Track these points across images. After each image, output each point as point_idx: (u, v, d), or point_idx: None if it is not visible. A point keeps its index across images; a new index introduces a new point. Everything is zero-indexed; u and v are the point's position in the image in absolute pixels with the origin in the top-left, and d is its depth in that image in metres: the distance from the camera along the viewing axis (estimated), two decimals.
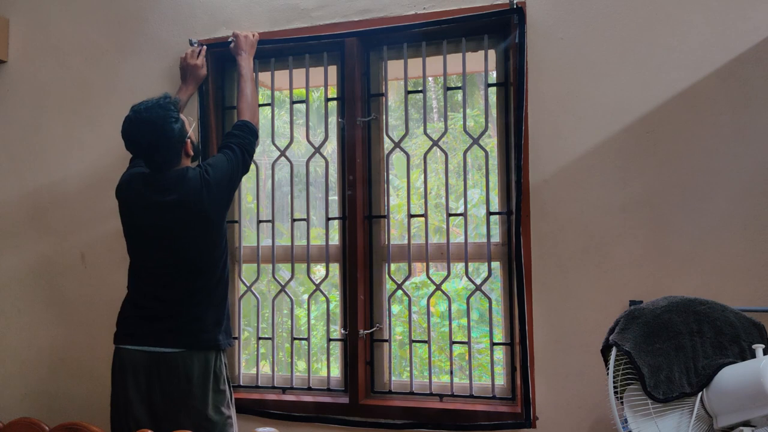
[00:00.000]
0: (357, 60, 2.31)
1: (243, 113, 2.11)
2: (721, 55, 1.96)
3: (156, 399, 1.93)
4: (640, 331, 1.66)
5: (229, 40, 2.30)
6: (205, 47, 2.37)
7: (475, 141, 2.22)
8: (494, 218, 2.24)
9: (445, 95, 2.30)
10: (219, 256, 2.00)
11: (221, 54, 2.47)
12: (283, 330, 2.71)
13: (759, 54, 1.93)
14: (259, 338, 2.46)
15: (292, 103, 2.46)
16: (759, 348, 1.56)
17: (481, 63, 2.24)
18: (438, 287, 2.27)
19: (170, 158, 1.95)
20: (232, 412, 2.03)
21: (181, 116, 1.97)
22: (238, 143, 2.03)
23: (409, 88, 2.32)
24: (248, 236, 2.54)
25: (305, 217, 2.40)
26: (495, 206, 2.24)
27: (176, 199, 1.91)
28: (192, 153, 2.02)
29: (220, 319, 2.00)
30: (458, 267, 2.69)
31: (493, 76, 2.26)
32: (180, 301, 1.96)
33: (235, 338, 2.48)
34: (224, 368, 2.01)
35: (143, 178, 2.00)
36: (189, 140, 1.99)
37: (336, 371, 2.39)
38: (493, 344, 2.22)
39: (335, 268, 2.40)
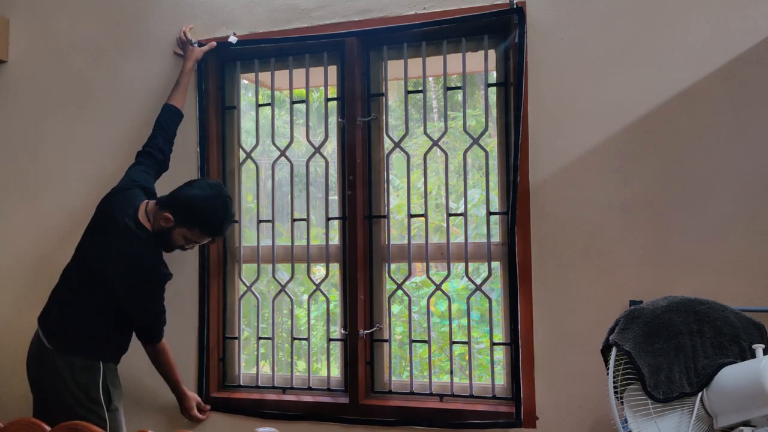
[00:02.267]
0: (357, 60, 2.31)
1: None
2: (721, 55, 1.96)
3: (38, 387, 2.16)
4: (640, 331, 1.66)
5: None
6: (190, 27, 2.43)
7: (475, 141, 2.22)
8: (494, 218, 2.24)
9: (445, 95, 2.30)
10: (123, 318, 2.14)
11: (221, 54, 2.47)
12: (283, 330, 2.71)
13: (759, 54, 1.93)
14: (259, 338, 2.46)
15: (292, 103, 2.46)
16: (759, 348, 1.55)
17: (481, 63, 2.24)
18: (438, 287, 2.27)
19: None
20: (111, 416, 2.10)
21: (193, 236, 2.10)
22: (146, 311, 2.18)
23: (409, 88, 2.32)
24: (248, 236, 2.54)
25: (305, 217, 2.40)
26: (495, 206, 2.24)
27: (106, 255, 2.05)
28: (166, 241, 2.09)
29: (103, 337, 2.13)
30: (458, 267, 2.69)
31: (493, 76, 2.26)
32: (72, 307, 2.11)
33: (235, 338, 2.48)
34: (101, 377, 2.08)
35: (122, 201, 2.13)
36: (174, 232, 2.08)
37: (336, 371, 2.39)
38: (493, 344, 2.22)
39: (335, 268, 2.40)
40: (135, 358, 2.52)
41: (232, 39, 2.36)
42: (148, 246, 2.06)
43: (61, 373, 2.03)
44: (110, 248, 2.05)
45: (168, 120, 2.29)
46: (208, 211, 2.03)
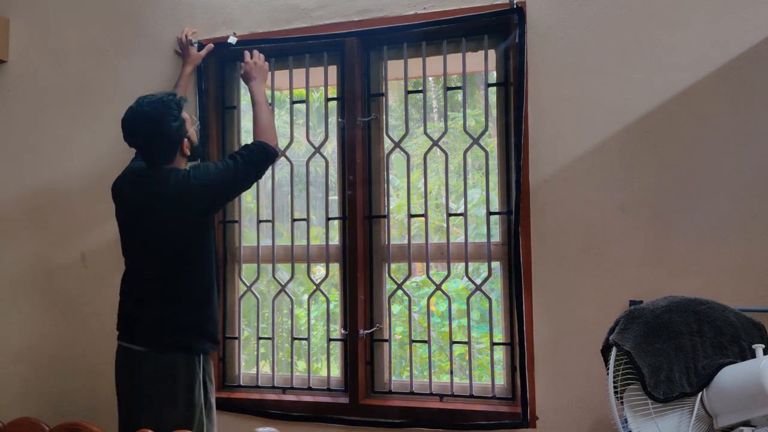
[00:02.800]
0: (357, 60, 2.31)
1: (258, 136, 2.03)
2: (721, 55, 1.96)
3: (131, 395, 1.94)
4: (640, 331, 1.66)
5: (240, 68, 2.24)
6: (194, 31, 2.39)
7: (475, 141, 2.22)
8: (494, 218, 2.24)
9: (445, 95, 2.30)
10: (194, 262, 1.95)
11: (221, 54, 2.47)
12: (283, 330, 2.71)
13: (759, 54, 1.93)
14: (259, 338, 2.46)
15: (292, 103, 2.46)
16: (759, 348, 1.56)
17: (481, 63, 2.24)
18: (438, 287, 2.27)
19: (163, 155, 1.94)
20: (207, 417, 1.96)
21: (185, 115, 1.96)
22: (245, 156, 1.96)
23: (409, 88, 2.32)
24: (248, 236, 2.54)
25: (305, 217, 2.40)
26: (495, 206, 2.24)
27: (153, 201, 1.91)
28: (188, 153, 2.00)
29: (197, 322, 1.95)
30: (458, 267, 2.69)
31: (493, 76, 2.26)
32: (152, 300, 1.95)
33: (235, 338, 2.48)
34: (201, 371, 1.93)
35: (134, 174, 2.02)
36: (187, 140, 1.97)
37: (336, 371, 2.39)
38: (493, 344, 2.22)
39: (335, 268, 2.40)
40: None
41: (232, 40, 2.36)
42: (170, 170, 1.94)
43: (159, 375, 1.89)
44: (152, 201, 1.92)
45: None
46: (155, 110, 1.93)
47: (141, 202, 1.94)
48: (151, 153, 1.95)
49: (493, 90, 2.27)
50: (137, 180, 1.99)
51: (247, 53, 2.20)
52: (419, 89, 2.38)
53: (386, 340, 2.33)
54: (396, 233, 2.62)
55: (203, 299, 1.97)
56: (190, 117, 2.01)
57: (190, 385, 1.90)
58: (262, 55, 2.21)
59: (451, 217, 2.29)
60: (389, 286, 2.35)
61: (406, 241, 2.31)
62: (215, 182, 1.92)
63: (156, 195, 1.91)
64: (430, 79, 3.19)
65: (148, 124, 1.89)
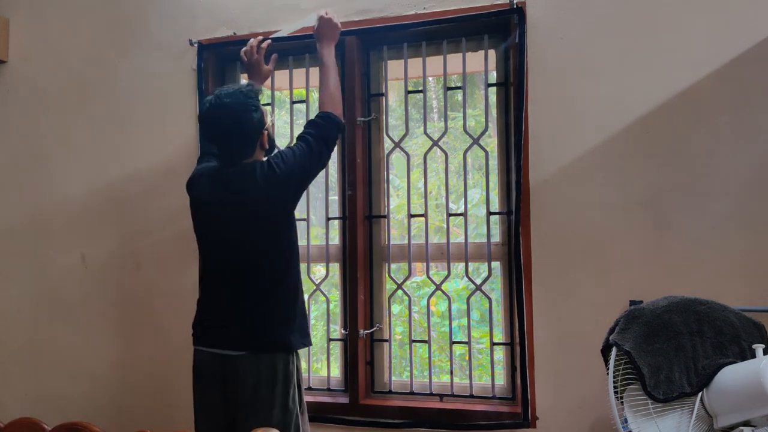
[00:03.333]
0: (357, 60, 2.31)
1: (325, 105, 1.96)
2: (721, 55, 1.96)
3: (230, 401, 1.82)
4: (640, 331, 1.66)
5: (312, 22, 2.07)
6: (268, 41, 2.15)
7: (475, 141, 2.22)
8: (494, 218, 2.24)
9: (445, 95, 2.30)
10: (285, 254, 1.87)
11: (221, 54, 2.47)
12: None
13: (759, 54, 1.93)
14: None
15: (293, 103, 2.46)
16: (759, 348, 1.56)
17: (481, 63, 2.24)
18: (438, 287, 2.27)
19: (244, 148, 1.86)
20: (301, 417, 1.88)
21: (261, 107, 1.88)
22: (314, 134, 1.89)
23: (409, 88, 2.32)
24: None
25: (305, 217, 2.40)
26: (495, 206, 2.24)
27: (241, 197, 1.82)
28: (267, 146, 1.92)
29: (290, 318, 1.86)
30: (458, 267, 2.69)
31: (493, 76, 2.26)
32: (244, 302, 1.84)
33: None
34: (295, 370, 1.86)
35: (212, 173, 1.92)
36: (266, 132, 1.89)
37: (336, 371, 2.39)
38: (493, 344, 2.22)
39: (335, 268, 2.40)
40: (134, 358, 2.52)
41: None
42: (253, 164, 1.86)
43: (260, 378, 1.79)
44: (238, 199, 1.83)
45: None
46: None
47: (228, 201, 1.84)
48: (232, 146, 1.86)
49: (493, 90, 2.27)
50: (220, 178, 1.88)
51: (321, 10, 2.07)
52: (419, 89, 2.38)
53: (386, 340, 2.33)
54: (396, 233, 2.62)
55: (296, 292, 1.90)
56: (265, 109, 1.93)
57: (286, 385, 1.81)
58: (334, 14, 2.08)
59: (451, 217, 2.29)
60: (389, 286, 2.35)
61: (406, 241, 2.31)
62: (298, 169, 1.85)
63: (244, 191, 1.82)
64: (430, 79, 3.20)
65: (229, 116, 1.81)
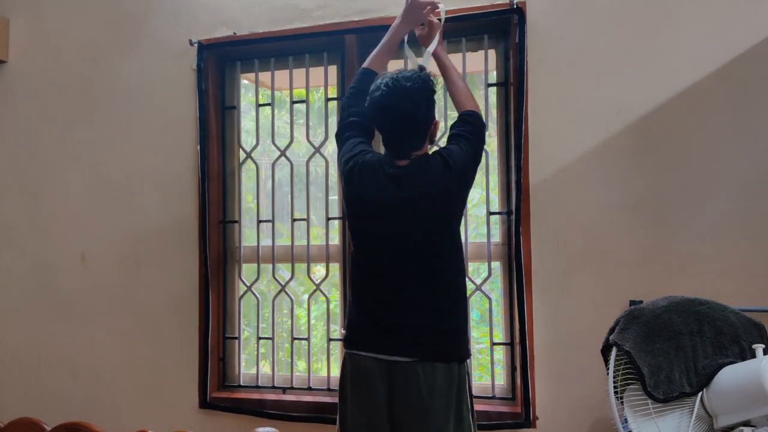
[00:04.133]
0: (357, 60, 2.31)
1: (466, 104, 1.81)
2: (721, 55, 1.96)
3: (397, 410, 1.67)
4: (640, 331, 1.66)
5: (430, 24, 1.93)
6: (441, 6, 1.93)
7: None
8: (494, 218, 2.24)
9: (445, 95, 2.29)
10: (458, 255, 1.74)
11: (221, 54, 2.47)
12: (283, 330, 2.71)
13: (759, 54, 1.93)
14: (259, 338, 2.46)
15: (293, 103, 2.45)
16: (759, 348, 1.56)
17: (481, 63, 2.24)
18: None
19: (418, 139, 1.71)
20: (474, 426, 1.73)
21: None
22: (472, 131, 1.75)
23: None
24: (248, 236, 2.54)
25: (305, 217, 2.40)
26: (495, 206, 2.24)
27: (417, 194, 1.66)
28: (434, 138, 1.80)
29: (463, 324, 1.75)
30: None
31: (493, 76, 2.26)
32: (416, 306, 1.70)
33: (235, 338, 2.48)
34: (468, 379, 1.73)
35: (378, 168, 1.72)
36: (437, 122, 1.76)
37: (336, 371, 2.38)
38: (493, 344, 2.22)
39: (335, 268, 2.40)
40: (134, 358, 2.52)
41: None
42: (427, 157, 1.72)
43: (433, 388, 1.64)
44: (413, 197, 1.67)
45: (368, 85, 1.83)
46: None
47: (401, 199, 1.67)
48: (405, 136, 1.70)
49: (493, 90, 2.27)
50: (389, 173, 1.70)
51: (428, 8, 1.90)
52: None
53: None
54: None
55: (465, 298, 1.79)
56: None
57: (460, 397, 1.68)
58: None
59: None
60: None
61: None
62: (469, 166, 1.72)
63: (421, 188, 1.66)
64: None
65: (407, 102, 1.65)
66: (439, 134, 1.93)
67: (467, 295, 1.78)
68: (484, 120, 1.82)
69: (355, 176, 1.75)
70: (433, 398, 1.64)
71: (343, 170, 1.79)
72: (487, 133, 2.20)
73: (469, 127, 1.76)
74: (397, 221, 1.69)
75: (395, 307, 1.70)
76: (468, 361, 1.73)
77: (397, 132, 1.71)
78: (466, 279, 1.81)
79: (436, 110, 1.76)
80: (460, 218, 1.76)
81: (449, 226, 1.72)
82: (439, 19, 1.94)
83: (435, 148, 1.78)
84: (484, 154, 2.19)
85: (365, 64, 1.95)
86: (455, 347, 1.70)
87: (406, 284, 1.70)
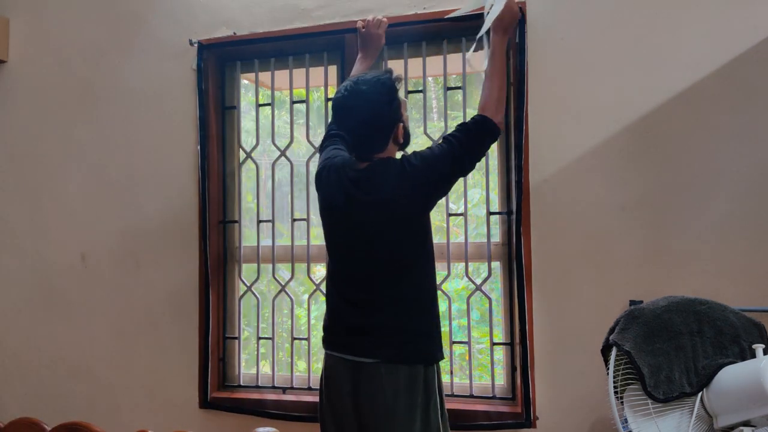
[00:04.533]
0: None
1: (484, 108, 1.76)
2: (721, 55, 1.96)
3: (362, 410, 1.70)
4: (640, 331, 1.66)
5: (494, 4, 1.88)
6: (385, 19, 2.12)
7: None
8: (494, 218, 2.24)
9: (445, 95, 2.30)
10: (423, 258, 1.75)
11: (221, 54, 2.48)
12: (283, 330, 2.71)
13: (759, 54, 1.93)
14: (259, 338, 2.46)
15: (293, 103, 2.45)
16: (759, 348, 1.56)
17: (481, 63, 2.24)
18: (438, 287, 2.26)
19: (377, 141, 1.73)
20: (443, 429, 1.74)
21: (401, 98, 1.76)
22: (459, 137, 1.71)
23: (410, 88, 2.32)
24: (248, 236, 2.54)
25: (305, 217, 2.40)
26: (495, 206, 2.24)
27: (374, 198, 1.69)
28: (402, 141, 1.78)
29: (430, 327, 1.75)
30: (458, 267, 2.69)
31: None
32: (380, 308, 1.72)
33: (235, 338, 2.48)
34: (437, 383, 1.74)
35: (341, 169, 1.78)
36: (401, 125, 1.75)
37: None
38: (493, 344, 2.22)
39: None
40: (134, 358, 2.52)
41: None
42: (386, 161, 1.73)
43: (395, 390, 1.66)
44: (370, 200, 1.70)
45: None
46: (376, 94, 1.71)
47: (359, 202, 1.71)
48: (363, 138, 1.73)
49: None
50: (350, 176, 1.74)
51: None
52: (419, 89, 2.38)
53: None
54: None
55: (433, 301, 1.78)
56: (404, 100, 1.80)
57: (427, 399, 1.69)
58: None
59: (451, 217, 2.29)
60: None
61: None
62: (433, 170, 1.68)
63: (376, 191, 1.69)
64: (430, 79, 3.19)
65: (363, 104, 1.68)
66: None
67: (435, 297, 1.78)
68: (493, 129, 1.73)
69: (323, 178, 1.82)
70: (397, 400, 1.66)
71: (316, 174, 1.87)
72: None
73: (462, 133, 1.73)
74: (357, 223, 1.73)
75: (360, 308, 1.74)
76: (437, 365, 1.75)
77: (355, 134, 1.75)
78: (435, 281, 1.82)
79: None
80: (420, 222, 1.74)
81: (411, 230, 1.72)
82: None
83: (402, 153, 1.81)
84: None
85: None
86: (419, 349, 1.71)
87: (369, 285, 1.73)
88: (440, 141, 1.76)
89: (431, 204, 1.75)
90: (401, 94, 1.77)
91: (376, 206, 1.70)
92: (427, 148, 1.76)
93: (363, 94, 1.69)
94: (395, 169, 1.70)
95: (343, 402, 1.73)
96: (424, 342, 1.73)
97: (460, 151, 1.69)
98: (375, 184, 1.70)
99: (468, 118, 1.80)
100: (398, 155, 1.80)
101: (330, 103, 2.38)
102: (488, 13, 1.88)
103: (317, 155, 2.39)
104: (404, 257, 1.73)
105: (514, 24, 1.88)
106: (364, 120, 1.70)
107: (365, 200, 1.71)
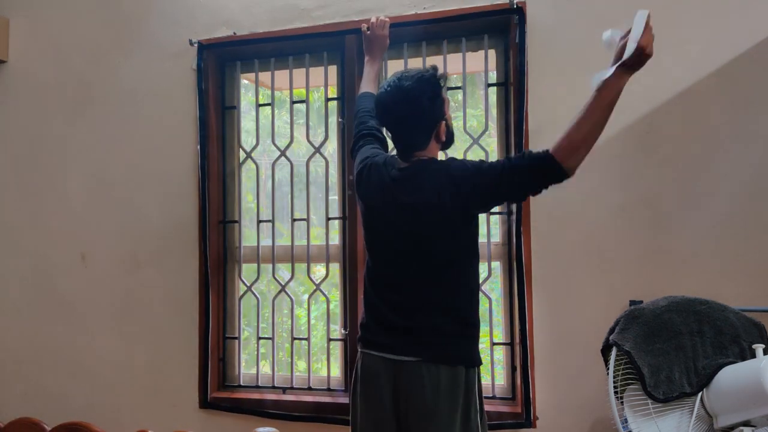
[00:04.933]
0: (357, 60, 2.31)
1: (560, 147, 1.59)
2: (721, 55, 1.96)
3: (402, 410, 1.68)
4: (640, 331, 1.66)
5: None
6: (388, 19, 2.13)
7: (476, 141, 2.22)
8: (494, 218, 2.24)
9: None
10: (464, 260, 1.73)
11: (221, 54, 2.48)
12: (283, 330, 2.71)
13: (759, 54, 1.93)
14: (259, 338, 2.46)
15: (293, 103, 2.45)
16: (759, 348, 1.56)
17: (481, 63, 2.24)
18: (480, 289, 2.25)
19: (418, 138, 1.71)
20: (481, 429, 1.71)
21: (444, 95, 1.73)
22: (517, 165, 1.61)
23: None
24: (248, 236, 2.54)
25: (305, 217, 2.40)
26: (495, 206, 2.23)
27: (415, 199, 1.67)
28: (444, 139, 1.76)
29: (471, 330, 1.73)
30: None
31: (493, 76, 2.26)
32: (421, 309, 1.70)
33: (235, 338, 2.48)
34: (477, 386, 1.71)
35: (382, 168, 1.77)
36: (444, 123, 1.73)
37: (336, 371, 2.39)
38: (493, 344, 2.22)
39: (335, 268, 2.40)
40: (134, 358, 2.52)
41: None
42: (429, 161, 1.72)
43: (438, 390, 1.64)
44: (412, 201, 1.68)
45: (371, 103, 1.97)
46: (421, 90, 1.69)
47: (399, 199, 1.70)
48: (404, 135, 1.73)
49: (493, 90, 2.27)
50: (392, 175, 1.73)
51: None
52: None
53: None
54: None
55: (474, 304, 1.76)
56: (449, 97, 1.79)
57: (467, 402, 1.67)
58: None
59: None
60: None
61: None
62: (479, 179, 1.63)
63: (416, 190, 1.67)
64: None
65: (404, 101, 1.67)
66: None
67: (477, 301, 1.76)
68: (556, 168, 1.56)
69: (364, 176, 1.80)
70: (438, 399, 1.63)
71: (355, 172, 1.85)
72: (487, 133, 2.22)
73: (519, 160, 1.62)
74: (398, 222, 1.70)
75: (401, 307, 1.71)
76: (479, 367, 1.72)
77: (399, 131, 1.74)
78: (479, 285, 1.79)
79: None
80: (467, 224, 1.70)
81: (451, 232, 1.68)
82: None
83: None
84: (485, 154, 2.21)
85: (360, 91, 2.08)
86: (461, 351, 1.69)
87: (410, 285, 1.71)
88: (486, 159, 1.75)
89: (473, 210, 1.70)
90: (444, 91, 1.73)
91: (416, 206, 1.67)
92: (479, 159, 1.74)
93: (405, 89, 1.67)
94: (438, 170, 1.68)
95: (382, 402, 1.70)
96: (465, 344, 1.71)
97: (506, 177, 1.60)
98: (416, 185, 1.68)
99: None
100: (440, 156, 1.78)
101: (330, 104, 2.40)
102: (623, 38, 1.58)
103: (317, 155, 2.40)
104: (446, 257, 1.69)
105: (644, 62, 1.55)
106: (405, 116, 1.69)
107: (406, 201, 1.69)
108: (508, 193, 1.67)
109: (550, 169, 1.57)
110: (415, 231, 1.69)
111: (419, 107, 1.67)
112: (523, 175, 1.60)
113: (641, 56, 1.52)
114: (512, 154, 2.14)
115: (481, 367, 1.76)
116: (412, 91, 1.67)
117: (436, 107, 1.69)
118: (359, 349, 1.79)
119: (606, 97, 1.54)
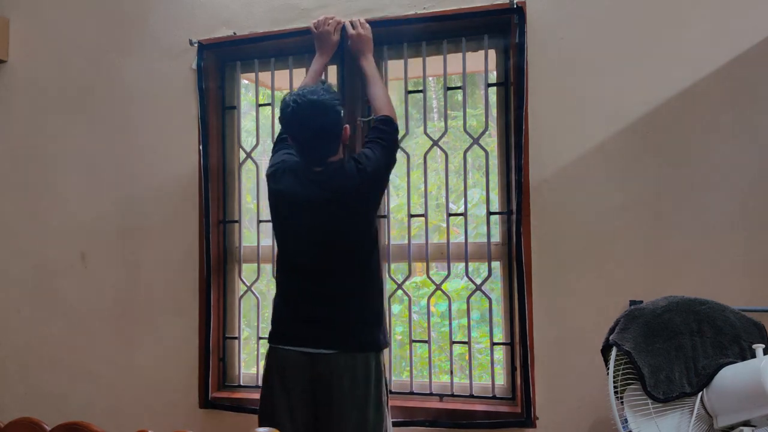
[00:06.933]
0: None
1: (381, 110, 1.99)
2: (721, 55, 1.96)
3: (319, 398, 1.81)
4: (641, 331, 1.66)
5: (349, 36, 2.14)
6: (337, 18, 2.20)
7: (476, 141, 2.22)
8: (494, 218, 2.24)
9: (446, 95, 2.30)
10: (375, 252, 1.92)
11: (221, 54, 2.48)
12: None
13: (759, 54, 1.93)
14: (259, 338, 2.46)
15: None
16: (759, 348, 1.56)
17: (481, 63, 2.24)
18: (438, 287, 2.27)
19: (333, 146, 1.86)
20: (388, 415, 1.88)
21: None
22: (385, 138, 1.91)
23: (410, 88, 2.32)
24: (248, 236, 2.54)
25: None
26: (495, 206, 2.24)
27: (338, 194, 1.82)
28: (348, 143, 1.94)
29: (380, 316, 1.90)
30: (458, 267, 2.69)
31: (493, 76, 2.26)
32: (338, 299, 1.85)
33: (235, 338, 2.48)
34: (382, 371, 1.87)
35: (299, 172, 1.89)
36: (348, 127, 1.91)
37: None
38: (493, 344, 2.22)
39: None
40: (134, 358, 2.52)
41: None
42: (342, 162, 1.89)
43: (354, 377, 1.80)
44: (330, 197, 1.83)
45: None
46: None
47: (323, 199, 1.83)
48: (320, 144, 1.84)
49: (493, 90, 2.27)
50: (311, 177, 1.86)
51: (348, 24, 2.15)
52: (419, 89, 2.38)
53: None
54: (396, 233, 2.62)
55: (381, 291, 1.95)
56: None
57: (378, 384, 1.83)
58: (365, 23, 2.14)
59: (451, 217, 2.29)
60: (389, 286, 2.34)
61: (406, 241, 2.31)
62: (382, 168, 1.88)
63: (340, 189, 1.82)
64: (430, 78, 3.19)
65: (320, 113, 1.80)
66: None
67: (383, 287, 1.96)
68: (397, 124, 1.97)
69: (278, 176, 1.92)
70: (355, 387, 1.78)
71: (267, 173, 1.97)
72: (487, 133, 2.22)
73: (382, 133, 1.92)
74: (318, 216, 1.84)
75: (320, 297, 1.85)
76: (383, 351, 1.88)
77: (314, 142, 1.84)
78: (383, 273, 1.98)
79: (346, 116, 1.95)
80: (375, 216, 1.95)
81: (366, 223, 1.87)
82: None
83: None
84: (484, 154, 2.21)
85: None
86: (372, 337, 1.85)
87: (327, 277, 1.85)
88: (370, 142, 1.92)
89: (381, 197, 1.96)
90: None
91: (337, 201, 1.82)
92: (367, 148, 1.91)
93: (314, 104, 1.80)
94: (352, 169, 1.84)
95: (301, 395, 1.82)
96: (375, 330, 1.86)
97: (390, 150, 1.91)
98: (336, 183, 1.83)
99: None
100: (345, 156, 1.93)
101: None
102: None
103: None
104: (360, 249, 1.86)
105: (370, 46, 2.14)
106: (322, 126, 1.81)
107: (327, 196, 1.83)
108: (392, 165, 1.93)
109: (398, 128, 1.97)
110: (333, 223, 1.83)
111: (333, 116, 1.82)
112: (396, 144, 1.96)
113: (354, 45, 2.08)
114: (507, 154, 2.15)
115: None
116: (322, 103, 1.80)
117: (339, 114, 1.84)
118: (271, 345, 1.89)
119: (368, 76, 2.08)
